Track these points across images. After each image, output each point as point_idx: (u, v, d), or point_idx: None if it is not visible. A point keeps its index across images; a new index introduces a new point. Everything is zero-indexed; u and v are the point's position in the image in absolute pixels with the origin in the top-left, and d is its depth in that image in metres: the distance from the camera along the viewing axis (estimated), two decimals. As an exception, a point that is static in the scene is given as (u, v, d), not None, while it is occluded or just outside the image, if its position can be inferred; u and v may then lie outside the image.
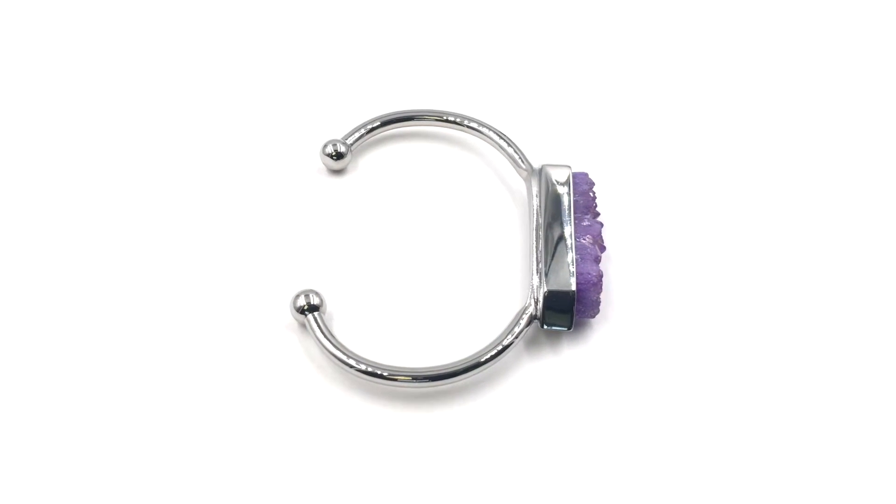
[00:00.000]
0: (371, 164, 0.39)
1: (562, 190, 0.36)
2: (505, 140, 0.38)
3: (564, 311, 0.34)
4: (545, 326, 0.34)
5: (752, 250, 0.37)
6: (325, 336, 0.34)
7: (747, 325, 0.35)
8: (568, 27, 0.43)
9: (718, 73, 0.41)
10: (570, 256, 0.34)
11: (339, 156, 0.38)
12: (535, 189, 0.36)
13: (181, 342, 0.34)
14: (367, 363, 0.33)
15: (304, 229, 0.37)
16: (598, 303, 0.34)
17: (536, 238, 0.35)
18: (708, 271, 0.36)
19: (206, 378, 0.34)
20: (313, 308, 0.34)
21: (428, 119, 0.39)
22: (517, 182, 0.38)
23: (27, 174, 0.38)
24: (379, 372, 0.33)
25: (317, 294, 0.34)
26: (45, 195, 0.37)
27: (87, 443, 0.33)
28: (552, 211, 0.35)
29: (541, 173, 0.36)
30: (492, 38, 0.42)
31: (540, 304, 0.34)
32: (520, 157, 0.37)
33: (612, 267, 0.36)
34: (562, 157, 0.38)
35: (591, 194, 0.36)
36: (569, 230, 0.35)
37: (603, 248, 0.36)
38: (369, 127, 0.38)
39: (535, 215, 0.35)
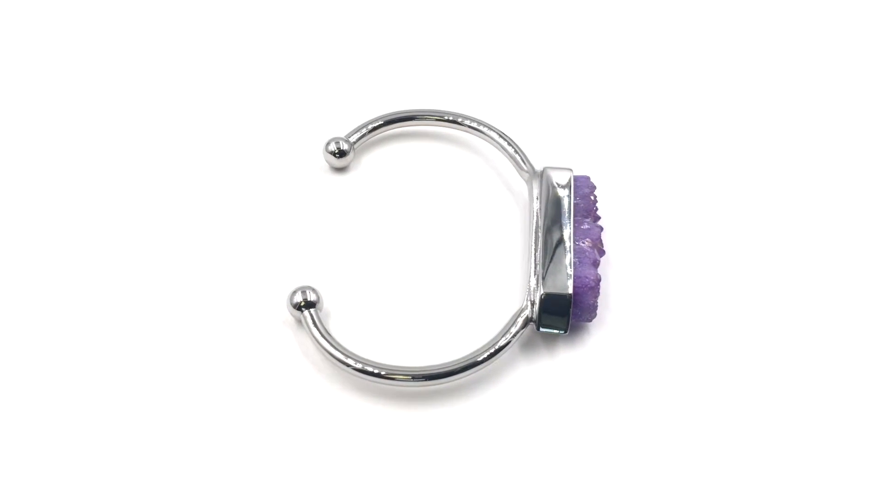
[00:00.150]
0: (373, 162, 0.39)
1: (562, 193, 0.36)
2: (507, 141, 0.38)
3: (560, 314, 0.34)
4: (541, 329, 0.34)
5: (751, 257, 0.37)
6: (320, 333, 0.34)
7: (745, 332, 0.35)
8: (574, 30, 0.43)
9: (722, 78, 0.41)
10: (568, 259, 0.34)
11: (341, 153, 0.38)
12: (535, 191, 0.36)
13: (178, 337, 0.35)
14: (362, 361, 0.33)
15: (305, 226, 0.37)
16: (594, 307, 0.34)
17: (535, 240, 0.35)
18: (707, 279, 0.36)
19: (199, 373, 0.34)
20: (309, 304, 0.34)
21: (431, 119, 0.39)
22: (519, 184, 0.38)
23: (32, 167, 0.38)
24: (373, 370, 0.33)
25: (313, 290, 0.34)
26: (45, 195, 0.38)
27: (81, 436, 0.33)
28: (552, 213, 0.35)
29: (542, 175, 0.36)
30: (497, 40, 0.42)
31: (536, 307, 0.34)
32: (522, 159, 0.37)
33: (612, 271, 0.36)
34: (565, 161, 0.38)
35: (593, 198, 0.36)
36: (568, 233, 0.35)
37: (602, 252, 0.35)
38: (372, 126, 0.38)
39: (534, 217, 0.35)
